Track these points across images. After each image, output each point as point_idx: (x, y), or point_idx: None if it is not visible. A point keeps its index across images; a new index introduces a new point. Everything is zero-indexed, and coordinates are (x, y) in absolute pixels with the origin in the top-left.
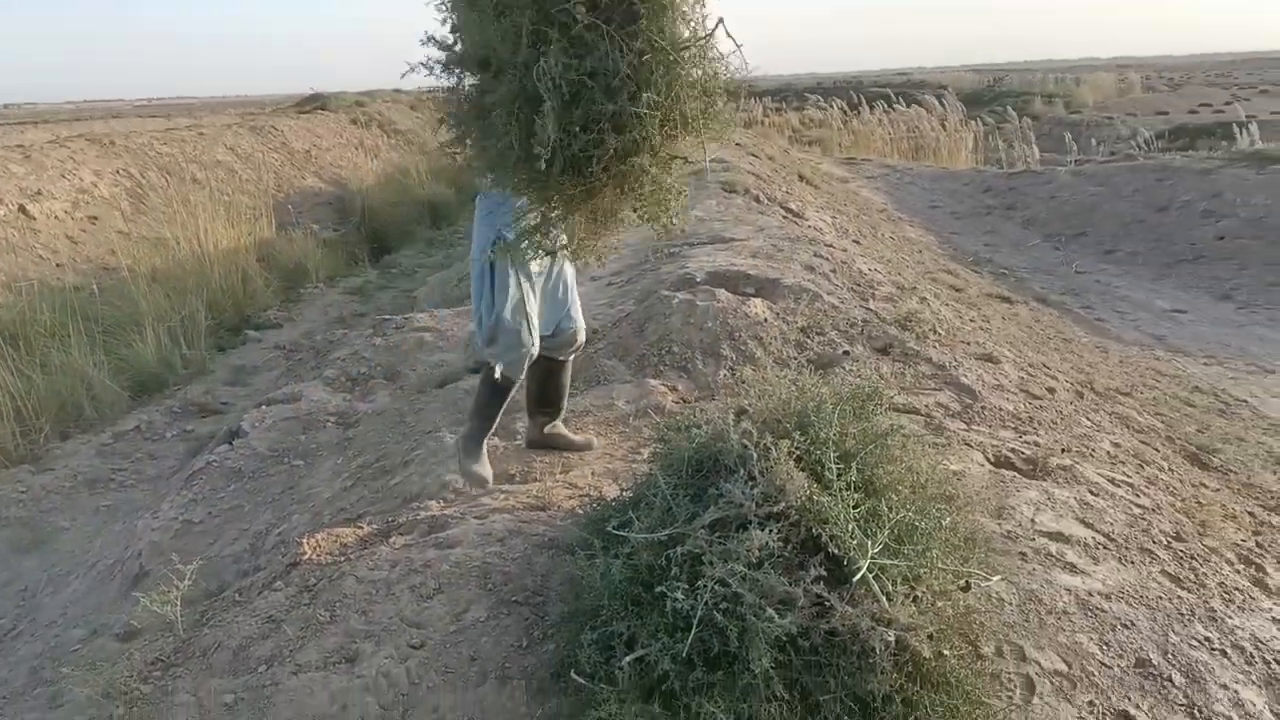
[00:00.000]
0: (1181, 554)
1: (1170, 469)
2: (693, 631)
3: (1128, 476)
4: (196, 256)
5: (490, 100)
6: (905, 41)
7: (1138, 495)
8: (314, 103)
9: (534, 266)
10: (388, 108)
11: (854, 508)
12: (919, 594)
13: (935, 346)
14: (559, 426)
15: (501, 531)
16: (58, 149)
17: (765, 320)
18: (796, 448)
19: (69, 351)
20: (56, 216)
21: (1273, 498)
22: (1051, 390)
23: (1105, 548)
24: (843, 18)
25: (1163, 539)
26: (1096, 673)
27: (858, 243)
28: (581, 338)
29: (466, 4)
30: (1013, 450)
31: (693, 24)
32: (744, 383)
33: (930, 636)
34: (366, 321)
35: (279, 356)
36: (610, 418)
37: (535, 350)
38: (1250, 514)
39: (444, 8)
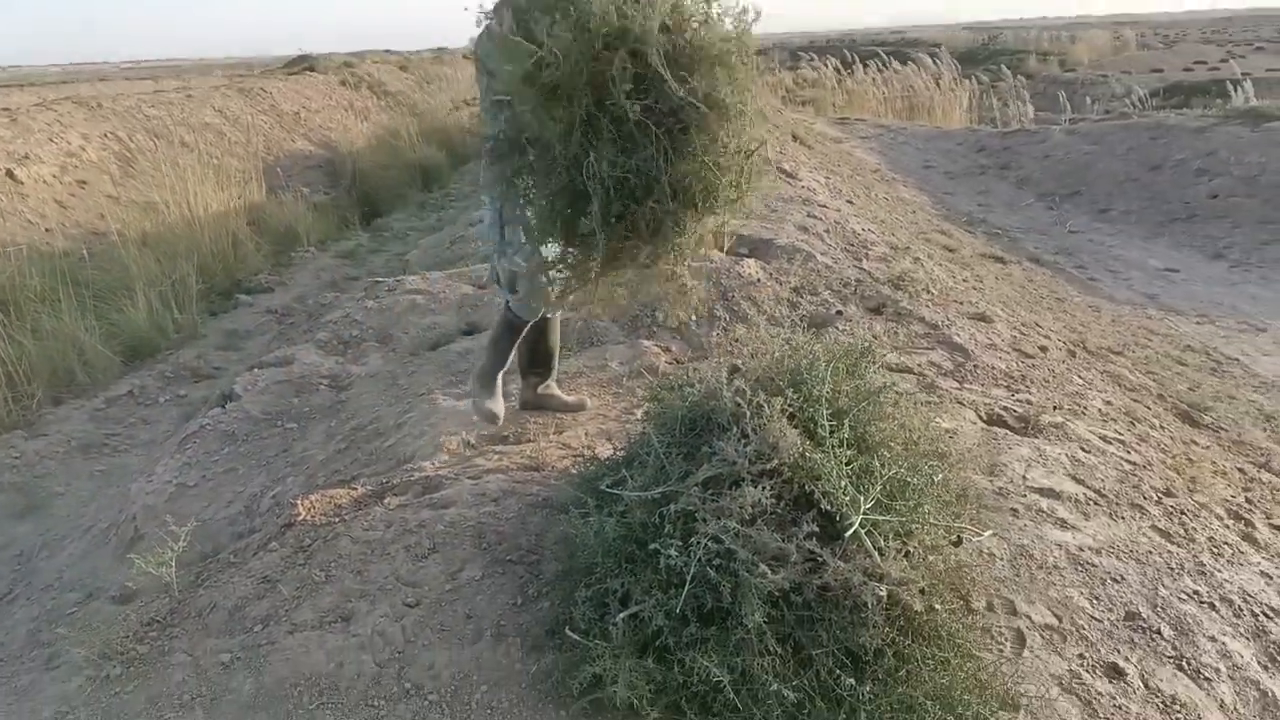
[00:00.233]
0: (1171, 509)
1: (1161, 426)
2: (686, 587)
3: (1119, 434)
4: (186, 220)
5: (532, 179)
6: None
7: (1129, 452)
8: (302, 64)
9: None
10: (377, 68)
11: (846, 464)
12: (911, 549)
13: (928, 306)
14: (552, 387)
15: (496, 491)
16: (44, 112)
17: (759, 280)
18: (789, 405)
19: (60, 317)
20: (44, 181)
21: (1262, 454)
22: (1044, 349)
23: (1096, 503)
24: None
25: (1153, 495)
26: (1086, 626)
27: (851, 203)
28: None
29: (523, 79)
30: (1005, 408)
31: (740, 140)
32: (737, 342)
33: (922, 591)
34: (358, 285)
35: (271, 320)
36: (603, 378)
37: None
38: (1240, 470)
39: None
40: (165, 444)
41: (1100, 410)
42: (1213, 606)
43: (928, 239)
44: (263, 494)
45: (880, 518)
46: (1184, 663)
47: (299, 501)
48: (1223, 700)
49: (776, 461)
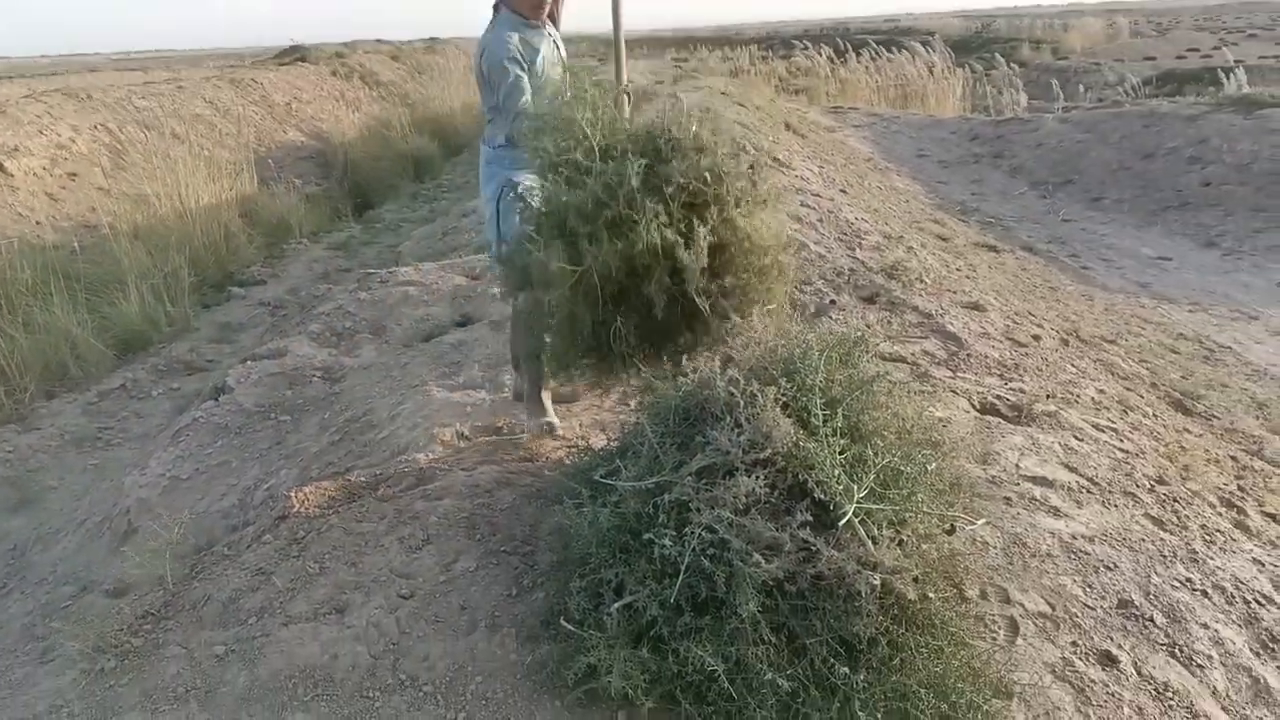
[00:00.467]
0: (1164, 497)
1: (1154, 415)
2: (680, 577)
3: (1112, 422)
4: (178, 213)
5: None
6: None
7: (1121, 440)
8: (294, 54)
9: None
10: (369, 58)
11: (840, 453)
12: (904, 537)
13: (922, 295)
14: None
15: (489, 483)
16: (34, 104)
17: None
18: (783, 394)
19: (52, 310)
20: (35, 173)
21: (1255, 442)
22: (1037, 338)
23: (1089, 491)
24: None
25: (1146, 483)
26: (1079, 614)
27: (844, 192)
28: None
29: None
30: (998, 397)
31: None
32: (731, 331)
33: (915, 579)
34: (351, 276)
35: (264, 313)
36: None
37: None
38: (1233, 458)
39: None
40: (158, 437)
41: (1093, 399)
42: (1205, 594)
43: (921, 228)
44: (256, 486)
45: (874, 506)
46: (1176, 650)
47: (293, 494)
48: (1215, 687)
49: (770, 451)
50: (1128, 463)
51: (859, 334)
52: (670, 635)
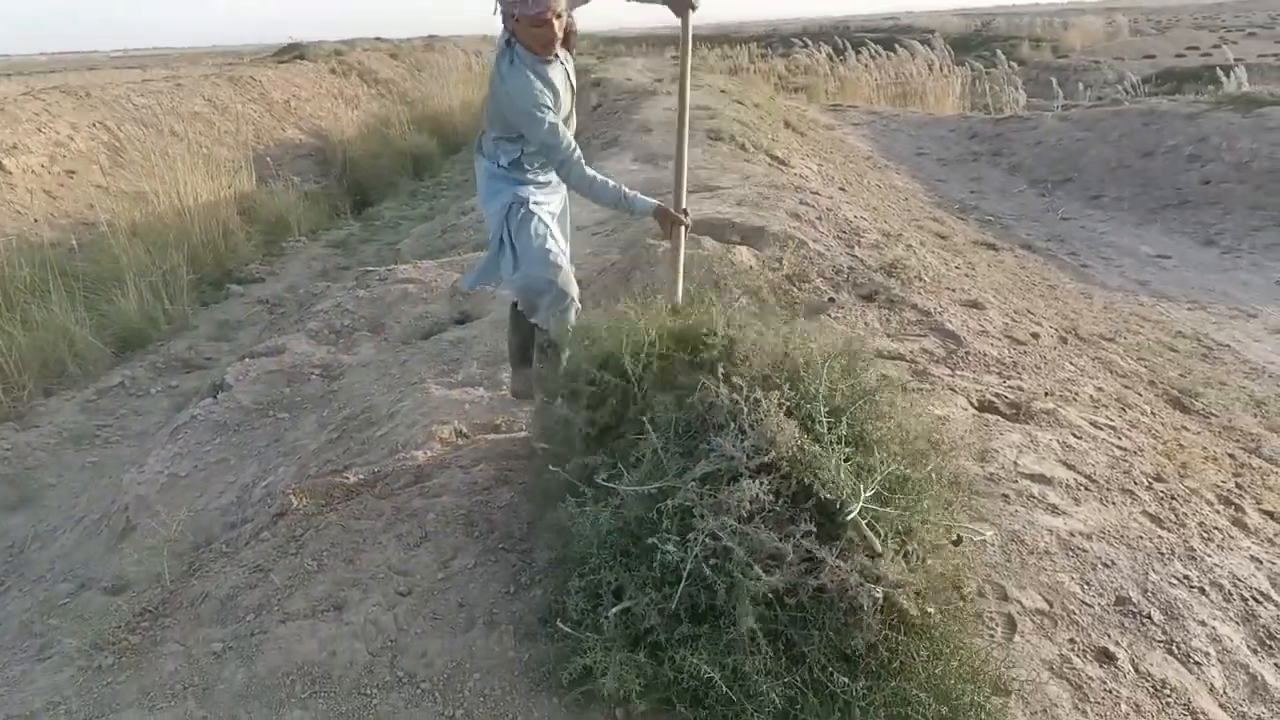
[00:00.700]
0: (1162, 495)
1: (1152, 412)
2: (681, 585)
3: (1110, 420)
4: (176, 210)
5: None
6: None
7: (1120, 438)
8: (292, 52)
9: (554, 208)
10: (368, 56)
11: (844, 460)
12: (910, 549)
13: (921, 293)
14: None
15: (487, 480)
16: (32, 101)
17: (751, 268)
18: (785, 400)
19: (50, 308)
20: (33, 171)
21: (1253, 440)
22: (1036, 336)
23: (1087, 489)
24: None
25: (1144, 480)
26: (1077, 611)
27: (844, 190)
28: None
29: None
30: (997, 395)
31: None
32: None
33: (918, 593)
34: (350, 274)
35: (262, 310)
36: None
37: (576, 293)
38: (1231, 456)
39: None
40: (157, 434)
41: (1091, 396)
42: (1203, 591)
43: (920, 226)
44: (255, 484)
45: (881, 509)
46: (1174, 647)
47: (291, 491)
48: (1212, 684)
49: (775, 455)
50: (1126, 460)
51: (860, 343)
52: (667, 642)
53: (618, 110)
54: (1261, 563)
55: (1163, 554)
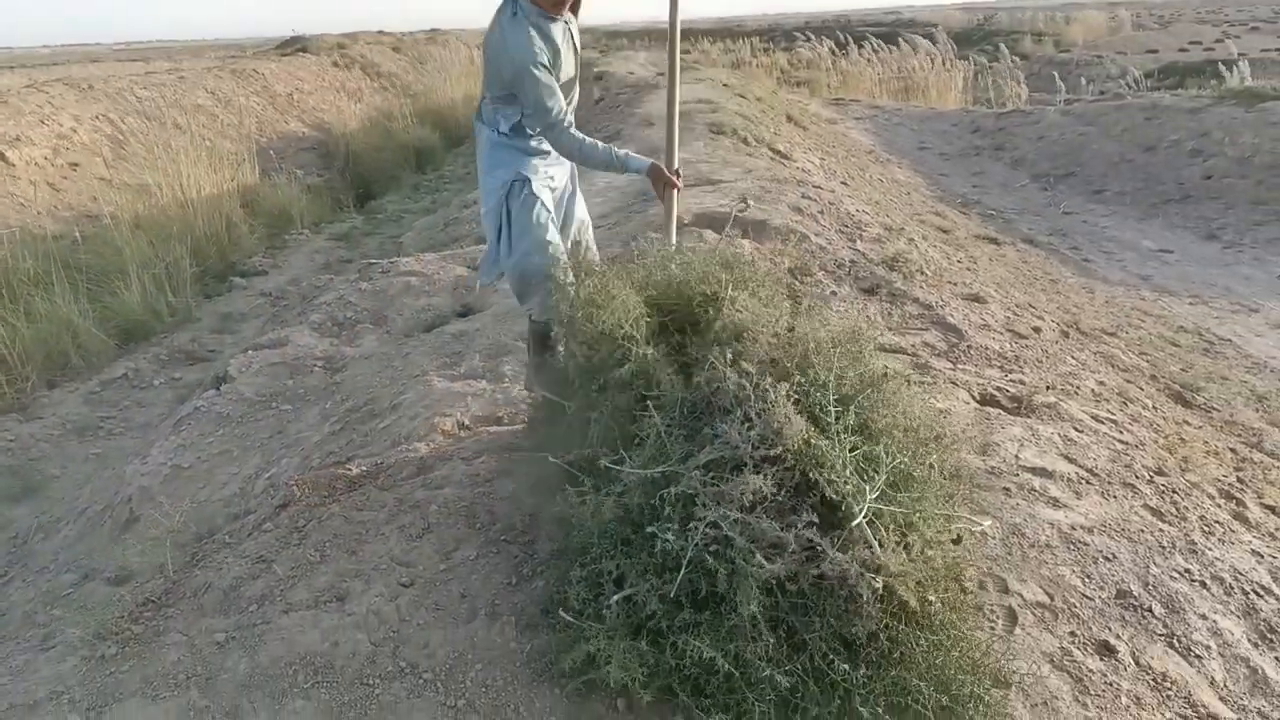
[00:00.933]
0: (1163, 489)
1: (1154, 407)
2: (681, 572)
3: (1111, 414)
4: (179, 203)
5: None
6: None
7: (1121, 432)
8: (295, 45)
9: (558, 182)
10: (370, 49)
11: (851, 451)
12: (910, 541)
13: (922, 287)
14: None
15: (489, 472)
16: (35, 94)
17: (753, 262)
18: (794, 391)
19: (53, 300)
20: (36, 163)
21: (1254, 435)
22: (1037, 330)
23: (1088, 482)
24: None
25: (1145, 474)
26: (1078, 604)
27: (845, 184)
28: None
29: None
30: (998, 388)
31: None
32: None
33: (918, 583)
34: (352, 267)
35: (265, 303)
36: None
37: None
38: (1232, 450)
39: None
40: (160, 426)
41: (1093, 390)
42: (1204, 584)
43: (922, 220)
44: (257, 475)
45: (883, 507)
46: (1175, 640)
47: (294, 482)
48: (1213, 677)
49: (780, 448)
50: (1127, 454)
51: (867, 330)
52: (669, 629)
53: (620, 104)
54: (1263, 556)
55: (1164, 547)
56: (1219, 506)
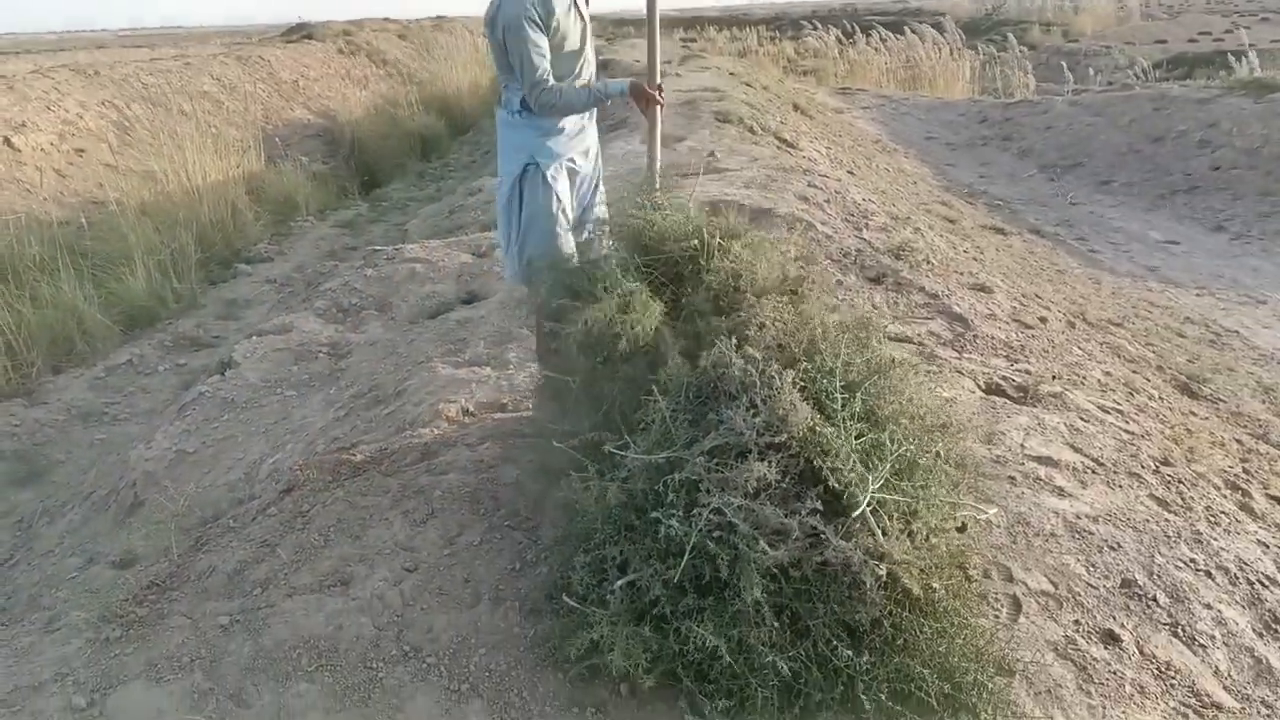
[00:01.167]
0: (1169, 479)
1: (1160, 397)
2: (685, 558)
3: (1117, 404)
4: (185, 190)
5: None
6: None
7: (1127, 422)
8: (300, 32)
9: (577, 163)
10: (376, 37)
11: (856, 438)
12: (914, 529)
13: (928, 276)
14: None
15: (493, 458)
16: (41, 80)
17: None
18: (801, 378)
19: (59, 286)
20: (42, 149)
21: (1260, 426)
22: (1044, 320)
23: (1094, 472)
24: None
25: (1151, 464)
26: (1082, 593)
27: (852, 173)
28: None
29: None
30: (1004, 378)
31: None
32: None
33: (922, 570)
34: (357, 254)
35: (270, 290)
36: None
37: None
38: (1238, 441)
39: None
40: (165, 412)
41: (1099, 381)
42: (1209, 574)
43: (928, 210)
44: (262, 460)
45: (887, 496)
46: (1179, 629)
47: (298, 468)
48: (1217, 666)
49: (785, 435)
50: (1133, 444)
51: (874, 317)
52: (672, 614)
53: None
54: (1268, 547)
55: (1169, 537)
56: (1224, 497)
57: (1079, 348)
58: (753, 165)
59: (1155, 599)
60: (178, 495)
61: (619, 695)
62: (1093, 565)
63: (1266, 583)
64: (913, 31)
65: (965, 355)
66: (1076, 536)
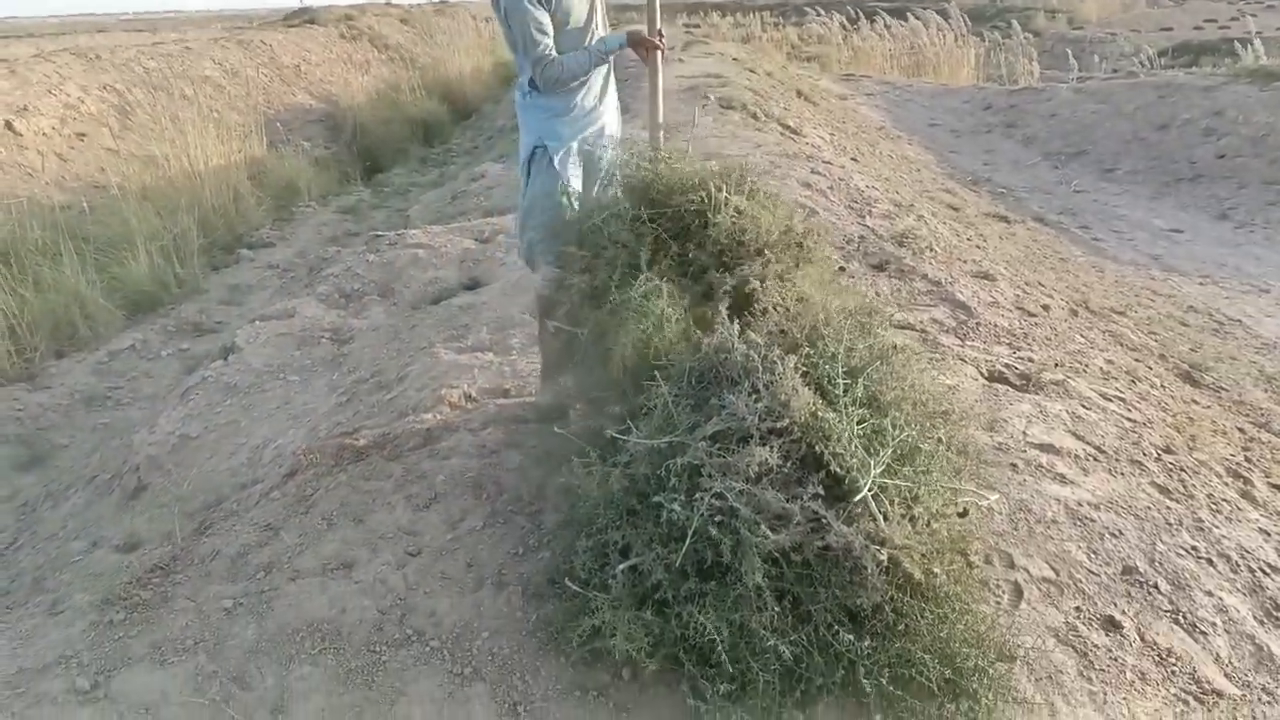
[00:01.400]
0: (1171, 466)
1: (1162, 386)
2: (687, 542)
3: (1120, 392)
4: (187, 174)
5: None
6: None
7: (1129, 410)
8: (302, 16)
9: (591, 141)
10: (378, 21)
11: (858, 424)
12: (916, 514)
13: (932, 263)
14: None
15: (496, 443)
16: (43, 64)
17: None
18: (803, 363)
19: (61, 270)
20: (44, 133)
21: (1263, 415)
22: (1047, 308)
23: (1095, 459)
24: None
25: (1153, 452)
26: (1084, 579)
27: (855, 160)
28: None
29: None
30: (1006, 365)
31: None
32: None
33: (923, 556)
34: (360, 239)
35: (273, 275)
36: None
37: None
38: (1240, 430)
39: None
40: (168, 396)
41: (1102, 369)
42: (1210, 562)
43: (932, 197)
44: (265, 445)
45: (889, 482)
46: (1180, 616)
47: (301, 452)
48: (1218, 653)
49: (787, 420)
50: (1135, 432)
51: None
52: (674, 599)
53: (628, 77)
54: (1270, 535)
55: (1170, 525)
56: (1226, 485)
57: (1081, 336)
58: (756, 151)
59: (1156, 586)
60: (181, 479)
61: (621, 679)
62: (1094, 552)
63: (1268, 570)
64: (917, 18)
65: (968, 342)
66: (1078, 523)
